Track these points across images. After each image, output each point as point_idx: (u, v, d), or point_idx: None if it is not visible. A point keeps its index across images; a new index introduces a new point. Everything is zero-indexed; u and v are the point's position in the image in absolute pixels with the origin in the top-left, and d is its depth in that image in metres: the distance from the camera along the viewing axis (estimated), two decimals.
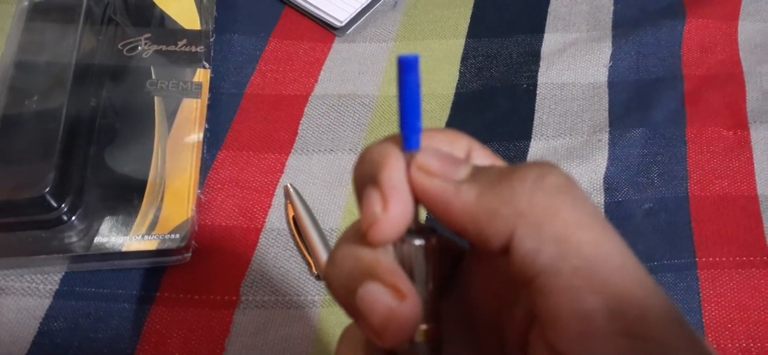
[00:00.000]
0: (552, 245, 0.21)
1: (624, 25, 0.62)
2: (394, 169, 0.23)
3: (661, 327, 0.20)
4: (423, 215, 0.25)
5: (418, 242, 0.24)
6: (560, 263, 0.21)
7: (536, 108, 0.57)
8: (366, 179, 0.24)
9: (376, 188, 0.23)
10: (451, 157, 0.24)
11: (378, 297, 0.22)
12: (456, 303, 0.26)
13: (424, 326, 0.24)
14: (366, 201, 0.23)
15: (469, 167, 0.23)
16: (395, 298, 0.22)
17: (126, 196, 0.50)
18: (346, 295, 0.23)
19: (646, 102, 0.56)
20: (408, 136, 0.23)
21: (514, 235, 0.21)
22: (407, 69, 0.23)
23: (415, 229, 0.24)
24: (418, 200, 0.23)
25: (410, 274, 0.24)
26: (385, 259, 0.23)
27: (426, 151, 0.24)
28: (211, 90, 0.57)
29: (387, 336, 0.22)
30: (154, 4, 0.60)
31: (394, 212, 0.23)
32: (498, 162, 0.26)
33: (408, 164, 0.23)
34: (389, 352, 0.24)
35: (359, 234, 0.23)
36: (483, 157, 0.25)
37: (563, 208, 0.21)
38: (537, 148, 0.54)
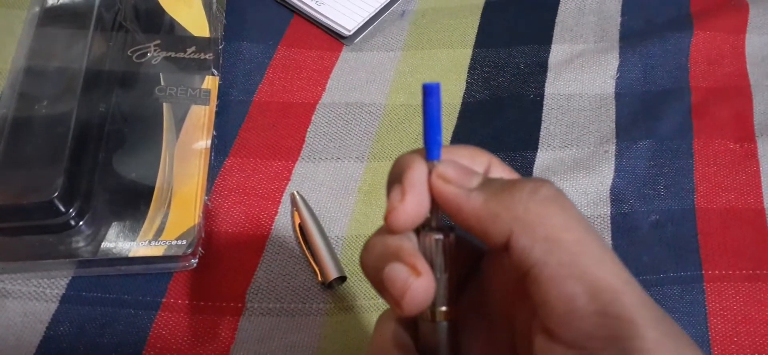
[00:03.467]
0: (541, 243, 0.25)
1: (631, 37, 0.62)
2: (415, 171, 0.28)
3: (631, 308, 0.24)
4: None
5: (437, 236, 0.29)
6: (548, 257, 0.25)
7: (543, 118, 0.57)
8: (394, 179, 0.29)
9: (399, 185, 0.28)
10: (466, 168, 0.28)
11: (399, 273, 0.27)
12: (474, 297, 0.31)
13: (443, 308, 0.29)
14: (390, 194, 0.28)
15: (480, 178, 0.28)
16: (412, 274, 0.27)
17: (133, 201, 0.50)
18: (375, 273, 0.28)
19: (653, 114, 0.56)
20: (430, 148, 0.28)
21: (511, 234, 0.26)
22: (430, 94, 0.28)
23: (437, 227, 0.29)
24: (436, 201, 0.28)
25: (431, 263, 0.28)
26: (408, 245, 0.28)
27: (446, 162, 0.28)
28: (219, 97, 0.57)
29: (404, 304, 0.27)
30: (163, 12, 0.61)
31: (410, 204, 0.27)
32: (514, 176, 0.30)
33: (430, 172, 0.28)
34: (414, 330, 0.29)
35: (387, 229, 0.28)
36: (501, 171, 0.30)
37: (552, 214, 0.26)
38: (543, 159, 0.54)
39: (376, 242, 0.29)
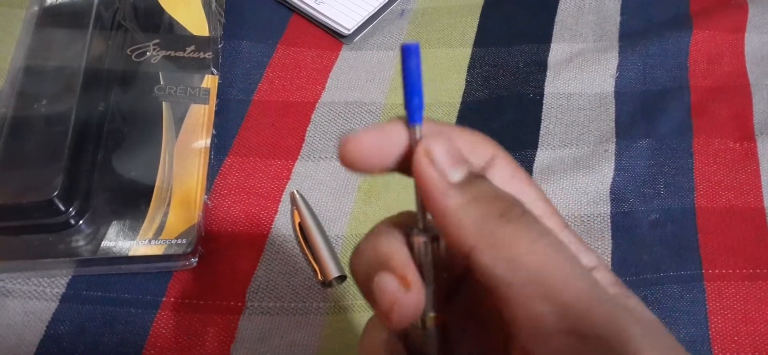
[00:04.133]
0: (504, 263, 0.24)
1: (631, 36, 0.62)
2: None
3: (604, 326, 0.23)
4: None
5: (425, 238, 0.27)
6: (512, 276, 0.24)
7: (543, 117, 0.57)
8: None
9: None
10: (456, 154, 0.26)
11: (388, 285, 0.26)
12: (468, 299, 0.29)
13: (432, 314, 0.28)
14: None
15: (464, 173, 0.26)
16: (402, 286, 0.26)
17: (133, 201, 0.50)
18: (365, 281, 0.27)
19: (653, 113, 0.56)
20: (412, 112, 0.26)
21: (472, 249, 0.24)
22: (409, 55, 0.26)
23: (425, 227, 0.27)
24: (415, 179, 0.26)
25: (420, 265, 0.27)
26: (399, 253, 0.27)
27: (436, 138, 0.26)
28: (218, 96, 0.57)
29: (393, 318, 0.26)
30: (163, 10, 0.61)
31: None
32: (519, 172, 0.28)
33: (414, 142, 0.26)
34: (404, 335, 0.28)
35: (379, 230, 0.27)
36: (505, 166, 0.28)
37: (518, 236, 0.24)
38: (543, 158, 0.54)
39: (366, 248, 0.28)
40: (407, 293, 0.25)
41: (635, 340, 0.23)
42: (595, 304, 0.24)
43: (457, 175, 0.26)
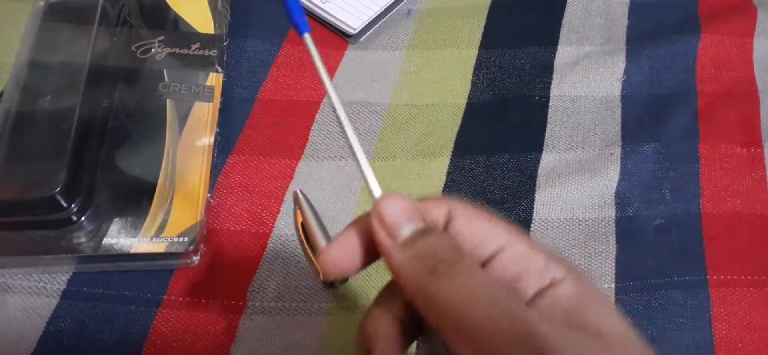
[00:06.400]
0: (434, 315, 0.26)
1: (638, 39, 0.62)
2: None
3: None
4: None
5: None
6: (439, 325, 0.26)
7: (548, 120, 0.56)
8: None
9: None
10: (408, 211, 0.28)
11: None
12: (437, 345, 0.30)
13: None
14: None
15: (412, 229, 0.28)
16: None
17: (136, 198, 0.50)
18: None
19: (659, 117, 0.56)
20: (298, 24, 0.29)
21: (413, 304, 0.27)
22: None
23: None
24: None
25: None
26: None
27: (390, 197, 0.28)
28: (223, 94, 0.57)
29: None
30: (168, 7, 0.61)
31: None
32: (478, 212, 0.29)
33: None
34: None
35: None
36: (462, 212, 0.29)
37: (442, 287, 0.26)
38: (548, 161, 0.54)
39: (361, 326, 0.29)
40: None
41: None
42: (517, 336, 0.25)
43: (406, 231, 0.27)
